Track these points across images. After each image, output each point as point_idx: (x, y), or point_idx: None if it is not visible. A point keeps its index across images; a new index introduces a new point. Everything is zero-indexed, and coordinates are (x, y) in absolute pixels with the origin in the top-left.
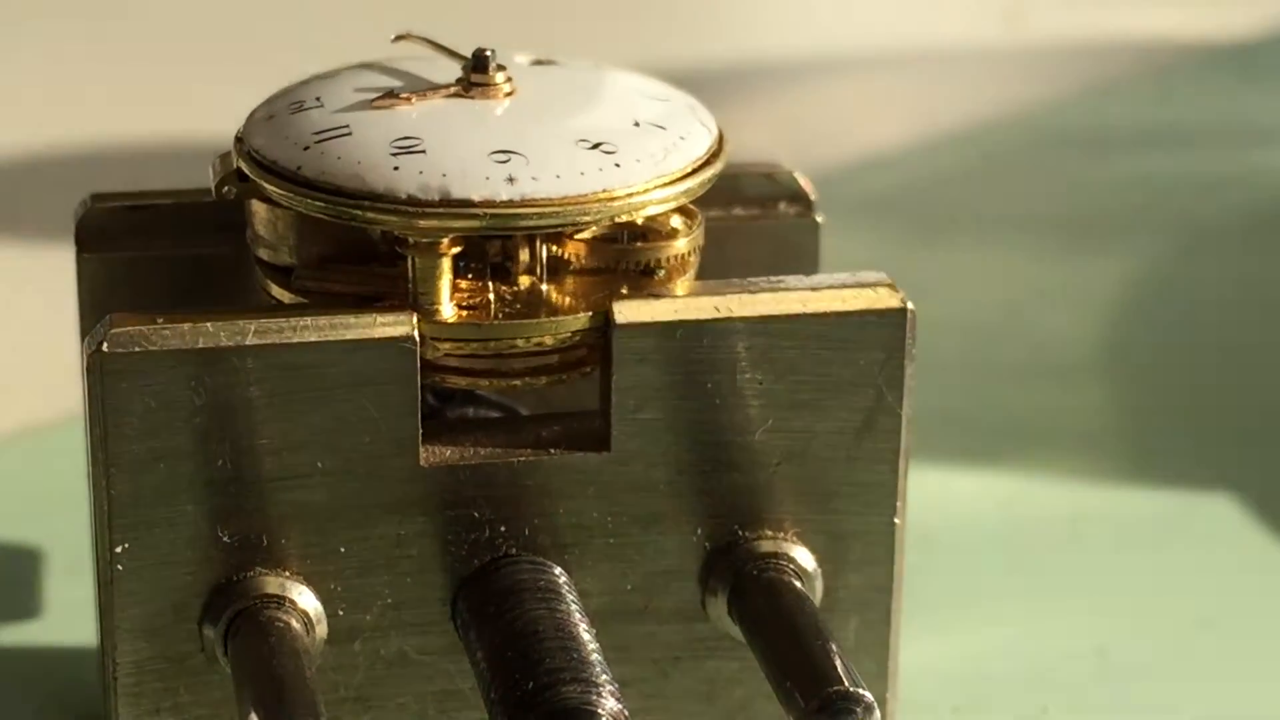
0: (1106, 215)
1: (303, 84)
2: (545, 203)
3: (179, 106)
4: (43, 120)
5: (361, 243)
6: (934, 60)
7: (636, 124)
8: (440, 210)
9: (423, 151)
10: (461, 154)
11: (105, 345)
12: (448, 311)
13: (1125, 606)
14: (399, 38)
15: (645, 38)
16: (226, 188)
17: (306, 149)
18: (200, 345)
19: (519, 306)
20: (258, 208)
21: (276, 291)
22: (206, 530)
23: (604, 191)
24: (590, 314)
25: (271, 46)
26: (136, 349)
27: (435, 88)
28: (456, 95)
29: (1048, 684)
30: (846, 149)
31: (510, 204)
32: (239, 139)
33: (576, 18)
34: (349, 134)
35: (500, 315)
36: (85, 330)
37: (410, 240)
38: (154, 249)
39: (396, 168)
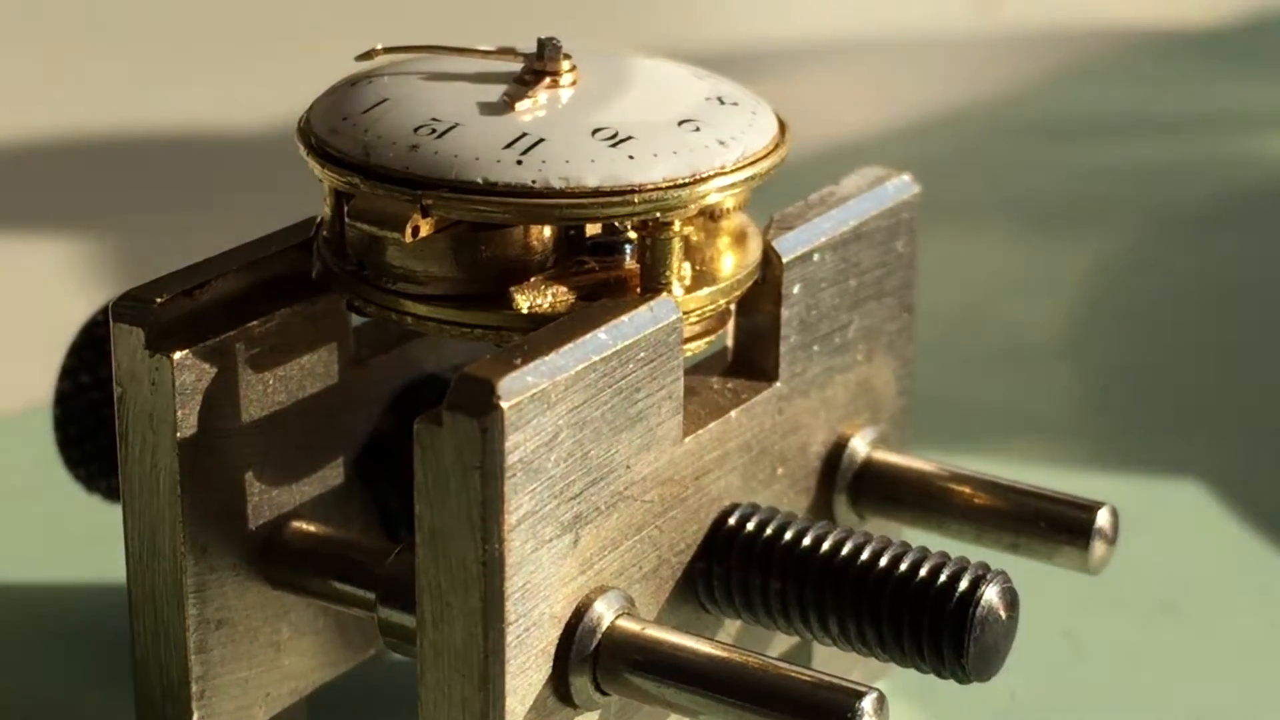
0: (1077, 202)
1: (381, 104)
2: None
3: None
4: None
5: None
6: (906, 48)
7: (721, 100)
8: (678, 191)
9: (630, 138)
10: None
11: (500, 402)
12: (678, 289)
13: (1092, 591)
14: (365, 55)
15: (618, 27)
16: (413, 226)
17: (498, 161)
18: (545, 383)
19: (697, 269)
20: (434, 239)
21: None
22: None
23: (720, 166)
24: (762, 254)
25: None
26: (527, 394)
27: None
28: (552, 85)
29: (1015, 668)
30: (819, 138)
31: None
32: (372, 171)
33: (551, 9)
34: (544, 140)
35: (699, 282)
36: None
37: (651, 224)
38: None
39: (594, 160)
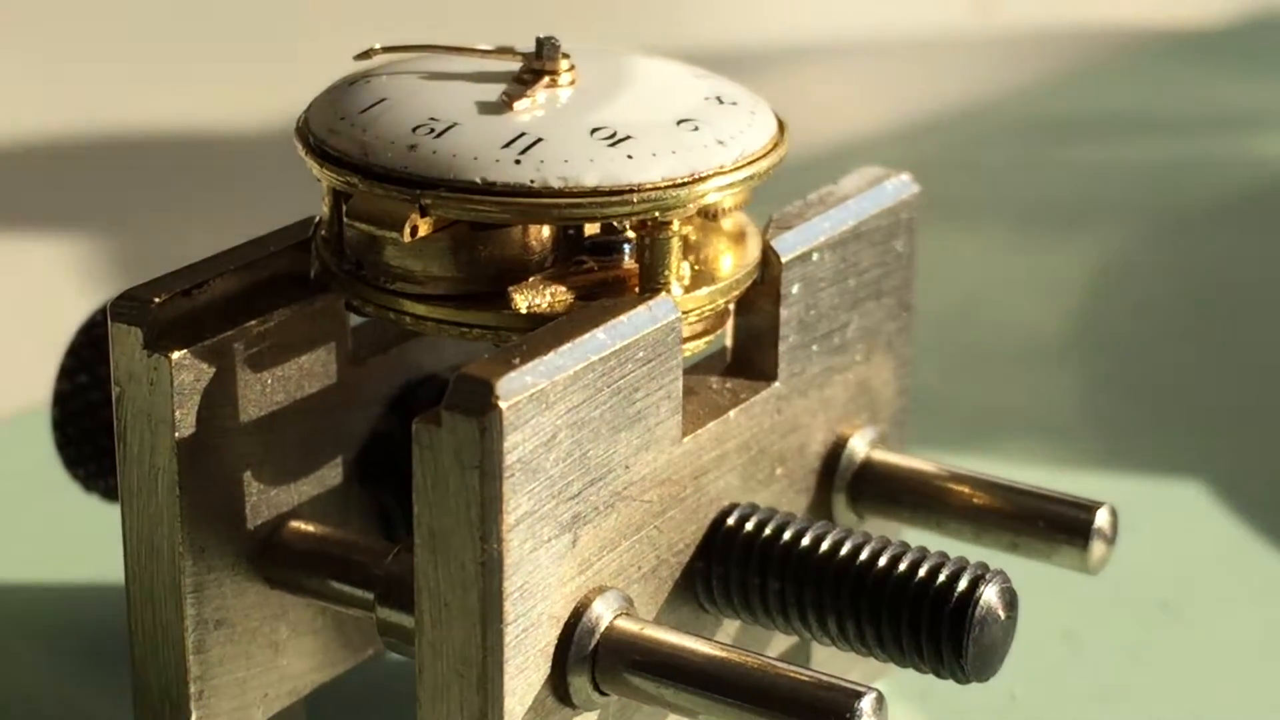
0: (1076, 201)
1: (380, 103)
2: (731, 169)
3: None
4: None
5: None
6: (906, 48)
7: (720, 100)
8: (676, 190)
9: (629, 137)
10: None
11: (498, 402)
12: (676, 289)
13: (1091, 591)
14: (363, 54)
15: (618, 27)
16: (413, 228)
17: (497, 161)
18: (544, 383)
19: (696, 268)
20: (435, 238)
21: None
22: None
23: (719, 165)
24: (760, 254)
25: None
26: (526, 394)
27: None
28: (551, 85)
29: (1014, 668)
30: (819, 138)
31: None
32: (370, 170)
33: (550, 8)
34: (542, 139)
35: (698, 282)
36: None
37: (650, 223)
38: (238, 322)
39: (593, 159)
